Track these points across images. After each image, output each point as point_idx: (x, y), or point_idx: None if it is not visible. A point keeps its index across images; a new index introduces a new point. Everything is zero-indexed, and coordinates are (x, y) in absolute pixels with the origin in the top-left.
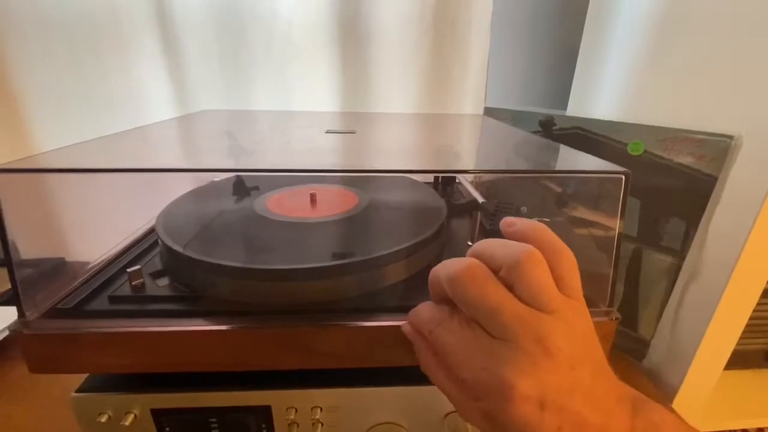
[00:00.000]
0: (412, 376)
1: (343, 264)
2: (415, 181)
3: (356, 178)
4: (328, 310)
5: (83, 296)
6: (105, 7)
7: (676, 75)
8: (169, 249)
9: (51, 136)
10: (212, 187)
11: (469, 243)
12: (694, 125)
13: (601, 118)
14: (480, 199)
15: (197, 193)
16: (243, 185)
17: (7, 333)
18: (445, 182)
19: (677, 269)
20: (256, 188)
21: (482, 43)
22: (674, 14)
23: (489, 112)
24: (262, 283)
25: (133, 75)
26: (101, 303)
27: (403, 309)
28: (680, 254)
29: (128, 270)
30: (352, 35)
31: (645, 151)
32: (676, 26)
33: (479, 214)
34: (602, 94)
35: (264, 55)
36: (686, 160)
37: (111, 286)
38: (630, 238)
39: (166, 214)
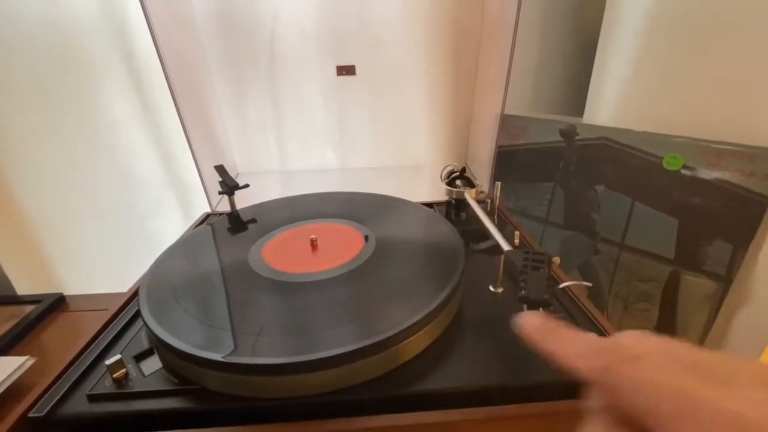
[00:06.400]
0: None
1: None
2: (425, 210)
3: (359, 208)
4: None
5: (59, 396)
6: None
7: (722, 79)
8: (156, 336)
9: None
10: (204, 232)
11: (491, 288)
12: (746, 139)
13: (633, 128)
14: (504, 246)
15: (189, 244)
16: (239, 220)
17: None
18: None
19: (722, 295)
20: (253, 221)
21: (502, 44)
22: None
23: (506, 119)
24: (261, 377)
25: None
26: (79, 403)
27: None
28: (726, 279)
29: (107, 363)
30: (347, 39)
31: (684, 166)
32: (717, 23)
33: (502, 258)
34: (624, 100)
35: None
36: (734, 177)
37: (90, 376)
38: (666, 260)
39: (152, 278)
